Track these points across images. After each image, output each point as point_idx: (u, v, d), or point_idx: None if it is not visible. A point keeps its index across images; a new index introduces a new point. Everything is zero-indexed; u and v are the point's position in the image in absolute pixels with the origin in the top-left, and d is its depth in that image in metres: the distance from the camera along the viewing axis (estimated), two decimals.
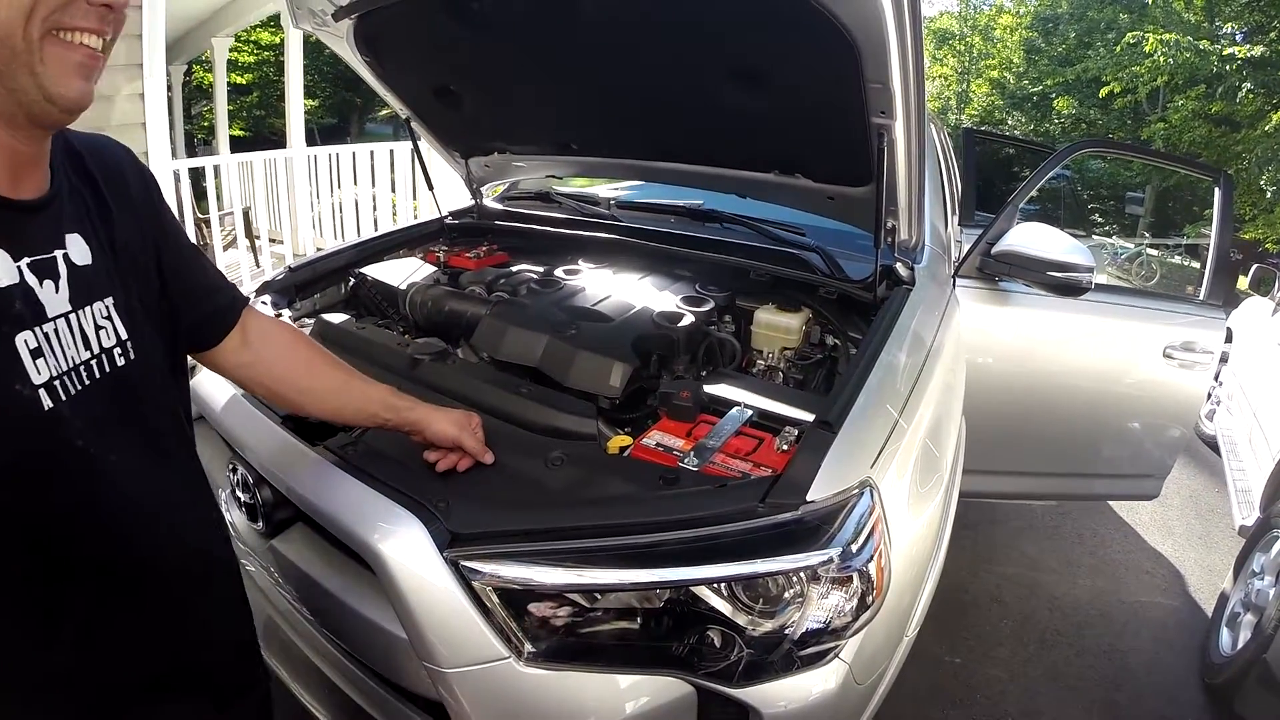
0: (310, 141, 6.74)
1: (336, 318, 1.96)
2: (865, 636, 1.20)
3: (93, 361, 0.87)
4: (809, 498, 1.16)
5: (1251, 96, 11.76)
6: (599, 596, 1.17)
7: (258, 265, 6.26)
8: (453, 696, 1.15)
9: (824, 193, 1.98)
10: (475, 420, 1.35)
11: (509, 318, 1.77)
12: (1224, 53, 11.68)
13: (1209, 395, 4.83)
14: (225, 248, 5.91)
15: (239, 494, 1.52)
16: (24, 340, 0.79)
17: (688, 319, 1.79)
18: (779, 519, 1.14)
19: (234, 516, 1.56)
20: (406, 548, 1.15)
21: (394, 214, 6.85)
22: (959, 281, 2.37)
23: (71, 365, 0.84)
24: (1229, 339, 4.79)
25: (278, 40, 14.66)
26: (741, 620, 1.14)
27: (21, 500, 0.80)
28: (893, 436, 1.35)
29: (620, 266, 2.23)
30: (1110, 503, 3.84)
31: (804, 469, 1.19)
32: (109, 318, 0.90)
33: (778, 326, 1.87)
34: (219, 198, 5.74)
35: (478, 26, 1.89)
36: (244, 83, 18.01)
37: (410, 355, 1.70)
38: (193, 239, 1.46)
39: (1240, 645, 2.49)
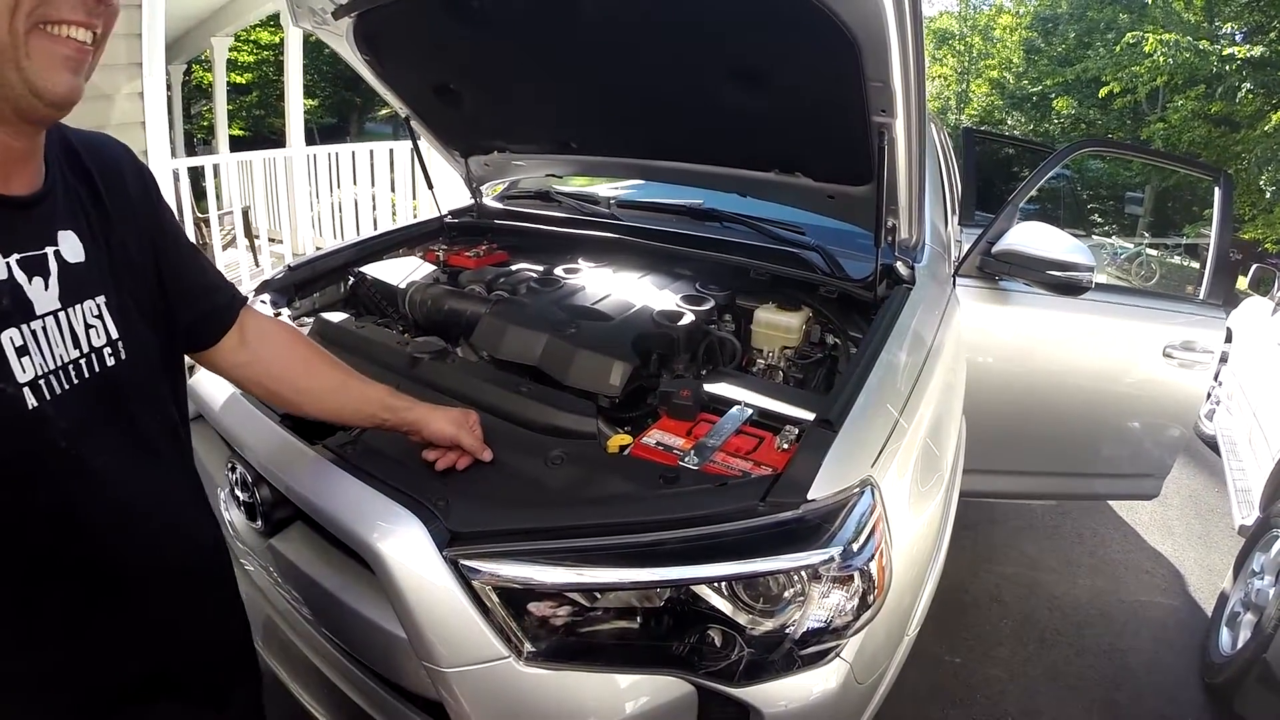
0: (310, 141, 6.73)
1: (336, 317, 1.96)
2: (866, 636, 1.20)
3: (81, 361, 0.86)
4: (810, 496, 1.15)
5: (1251, 96, 11.77)
6: (599, 596, 1.17)
7: (257, 265, 6.25)
8: (452, 696, 1.15)
9: (824, 191, 1.98)
10: (473, 418, 1.35)
11: (509, 316, 1.77)
12: (1224, 53, 11.70)
13: (1209, 395, 4.83)
14: (224, 247, 5.91)
15: (238, 493, 1.51)
16: (9, 337, 0.78)
17: (688, 318, 1.79)
18: (780, 518, 1.13)
19: (233, 515, 1.56)
20: (405, 547, 1.15)
21: (394, 213, 6.84)
22: (959, 281, 2.37)
23: (59, 364, 0.83)
24: (1228, 339, 4.79)
25: (277, 40, 14.66)
26: (742, 619, 1.14)
27: (2, 499, 0.79)
28: (893, 435, 1.35)
29: (620, 265, 2.23)
30: (1110, 502, 3.83)
31: (805, 467, 1.19)
32: (100, 316, 0.89)
33: (778, 325, 1.86)
34: (218, 197, 5.75)
35: (478, 25, 1.88)
36: (243, 82, 18.01)
37: (410, 354, 1.70)
38: (192, 239, 1.45)
39: (1240, 645, 2.49)
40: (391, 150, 6.68)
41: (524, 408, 1.50)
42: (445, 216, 2.70)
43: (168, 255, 1.04)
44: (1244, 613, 2.58)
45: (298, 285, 2.16)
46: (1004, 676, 2.55)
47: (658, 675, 1.16)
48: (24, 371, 0.79)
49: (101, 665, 0.92)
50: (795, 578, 1.13)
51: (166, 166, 4.53)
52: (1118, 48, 14.07)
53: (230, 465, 1.53)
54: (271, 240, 6.56)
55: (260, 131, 18.44)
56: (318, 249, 2.64)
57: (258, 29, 16.02)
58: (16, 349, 0.79)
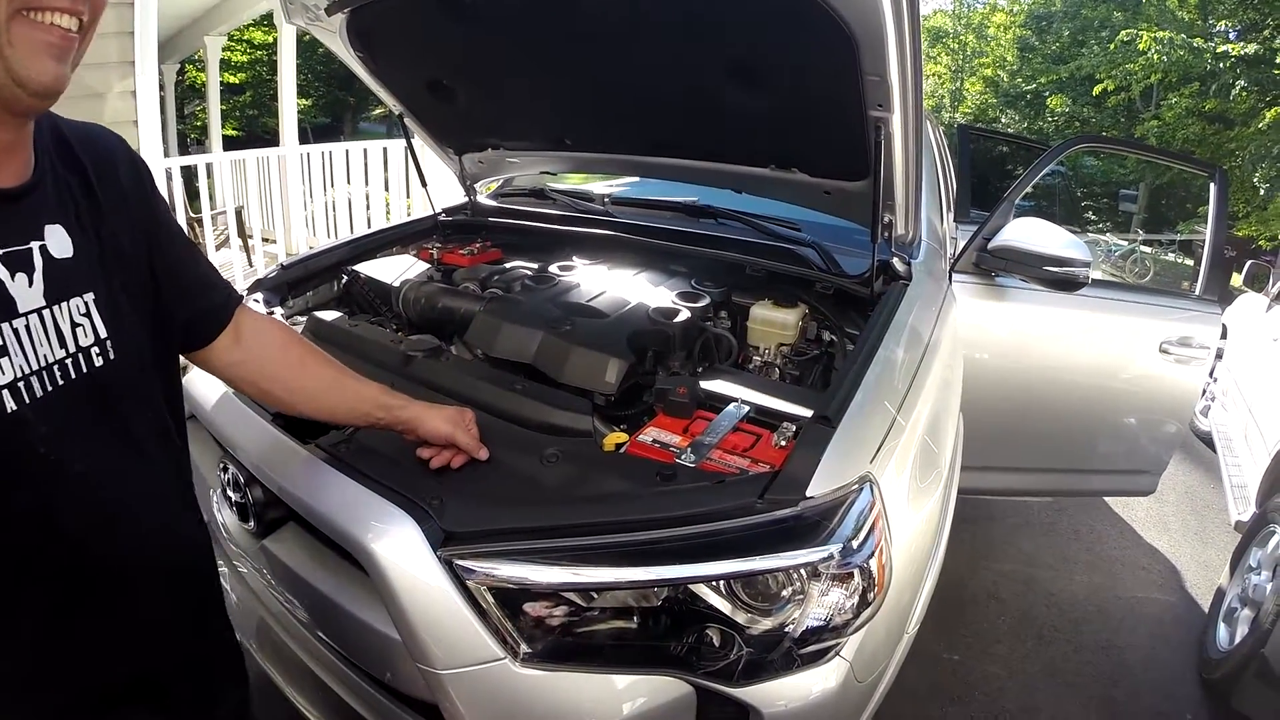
0: (303, 141, 6.72)
1: (329, 315, 1.94)
2: (866, 634, 1.19)
3: (68, 361, 0.84)
4: (808, 493, 1.14)
5: (1245, 94, 11.82)
6: (595, 595, 1.16)
7: (250, 265, 6.22)
8: (447, 698, 1.13)
9: (820, 187, 1.97)
10: (469, 416, 1.34)
11: (503, 314, 1.75)
12: (1217, 50, 11.73)
13: (1204, 391, 4.84)
14: (218, 247, 5.89)
15: (230, 493, 1.50)
16: None
17: (683, 315, 1.78)
18: (778, 515, 1.12)
19: (225, 516, 1.55)
20: (399, 547, 1.14)
21: (387, 213, 6.82)
22: (956, 277, 2.36)
23: (43, 364, 0.81)
24: (1224, 335, 4.80)
25: (271, 39, 14.62)
26: (741, 618, 1.13)
27: None
28: (891, 432, 1.34)
29: (615, 262, 2.22)
30: (1106, 499, 3.84)
31: (803, 464, 1.18)
32: (87, 314, 0.87)
33: (774, 322, 1.85)
34: (211, 197, 5.72)
35: (471, 20, 1.87)
36: (237, 82, 17.95)
37: (404, 352, 1.68)
38: None
39: (1237, 640, 2.49)
40: (385, 149, 6.65)
41: (519, 405, 1.49)
42: (439, 214, 2.68)
43: (162, 250, 1.01)
44: (1241, 608, 2.58)
45: (291, 284, 2.14)
46: (1002, 674, 2.55)
47: (655, 675, 1.15)
48: (2, 374, 0.77)
49: (86, 667, 0.90)
50: (794, 576, 1.12)
51: (159, 166, 4.50)
52: (1112, 45, 14.12)
53: (222, 465, 1.52)
54: (265, 240, 6.53)
55: (254, 131, 18.38)
56: (311, 249, 2.62)
57: (251, 28, 15.98)
58: None
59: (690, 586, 1.13)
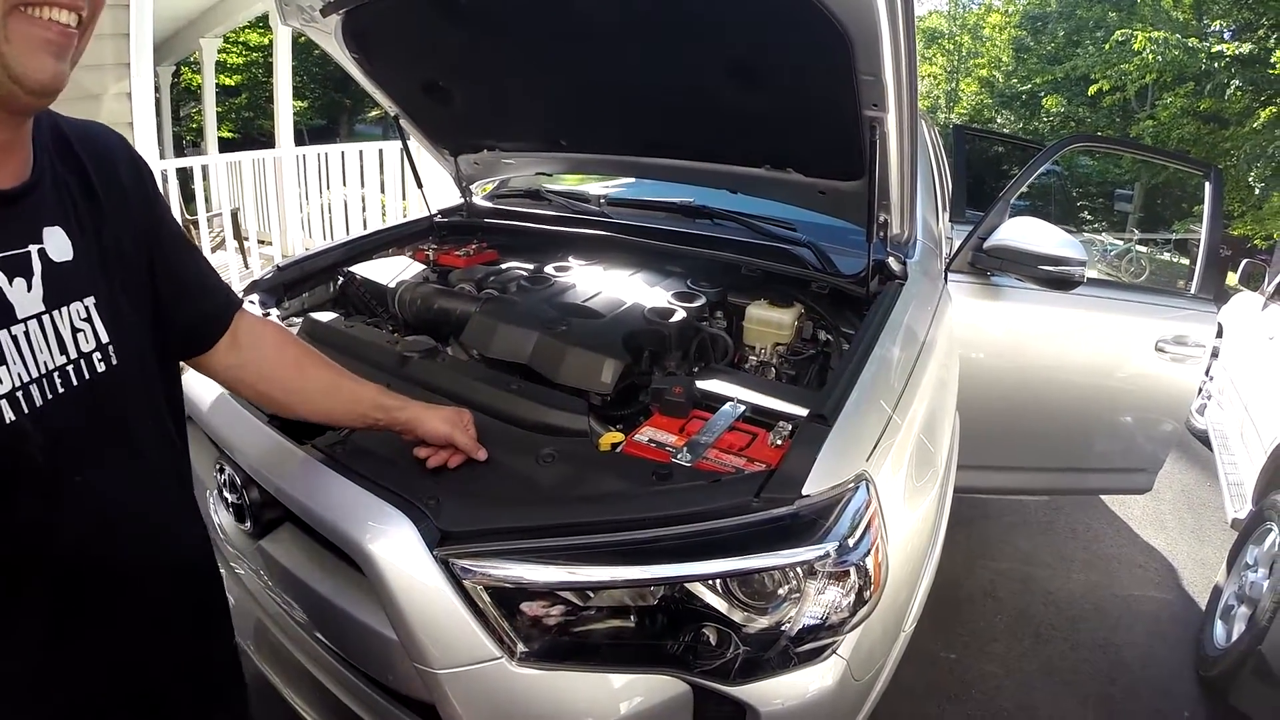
0: (299, 143, 6.71)
1: (325, 316, 1.94)
2: (863, 632, 1.19)
3: (68, 367, 0.82)
4: (804, 492, 1.14)
5: (1240, 94, 11.84)
6: (592, 595, 1.16)
7: (246, 267, 6.21)
8: (444, 698, 1.13)
9: (816, 187, 1.97)
10: (467, 417, 1.33)
11: (499, 314, 1.75)
12: (1212, 50, 11.77)
13: (1200, 390, 4.86)
14: (214, 249, 5.88)
15: (226, 494, 1.50)
16: None
17: (679, 315, 1.78)
18: (774, 513, 1.12)
19: (221, 517, 1.55)
20: (396, 547, 1.14)
21: (383, 214, 6.82)
22: (951, 276, 2.37)
23: (43, 372, 0.79)
24: (1219, 334, 4.82)
25: (266, 41, 14.65)
26: (737, 617, 1.13)
27: None
28: (887, 431, 1.34)
29: (611, 263, 2.22)
30: (1103, 497, 3.85)
31: (799, 463, 1.18)
32: (88, 319, 0.85)
33: (770, 322, 1.85)
34: (207, 199, 5.71)
35: (467, 21, 1.87)
36: (232, 84, 17.96)
37: (400, 353, 1.68)
38: None
39: (1234, 637, 2.49)
40: (381, 151, 6.65)
41: (515, 406, 1.49)
42: (435, 216, 2.68)
43: (163, 251, 0.99)
44: (1238, 606, 2.58)
45: (287, 285, 2.14)
46: (1000, 672, 2.55)
47: (652, 674, 1.15)
48: (0, 383, 0.74)
49: (89, 673, 0.89)
50: (790, 574, 1.12)
51: (155, 168, 4.49)
52: (1107, 46, 14.16)
53: (218, 467, 1.51)
54: (261, 242, 6.51)
55: (249, 133, 18.38)
56: (307, 250, 2.62)
57: (246, 30, 15.98)
58: None
59: (686, 585, 1.13)
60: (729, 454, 1.30)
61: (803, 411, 1.37)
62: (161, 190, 4.59)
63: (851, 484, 1.19)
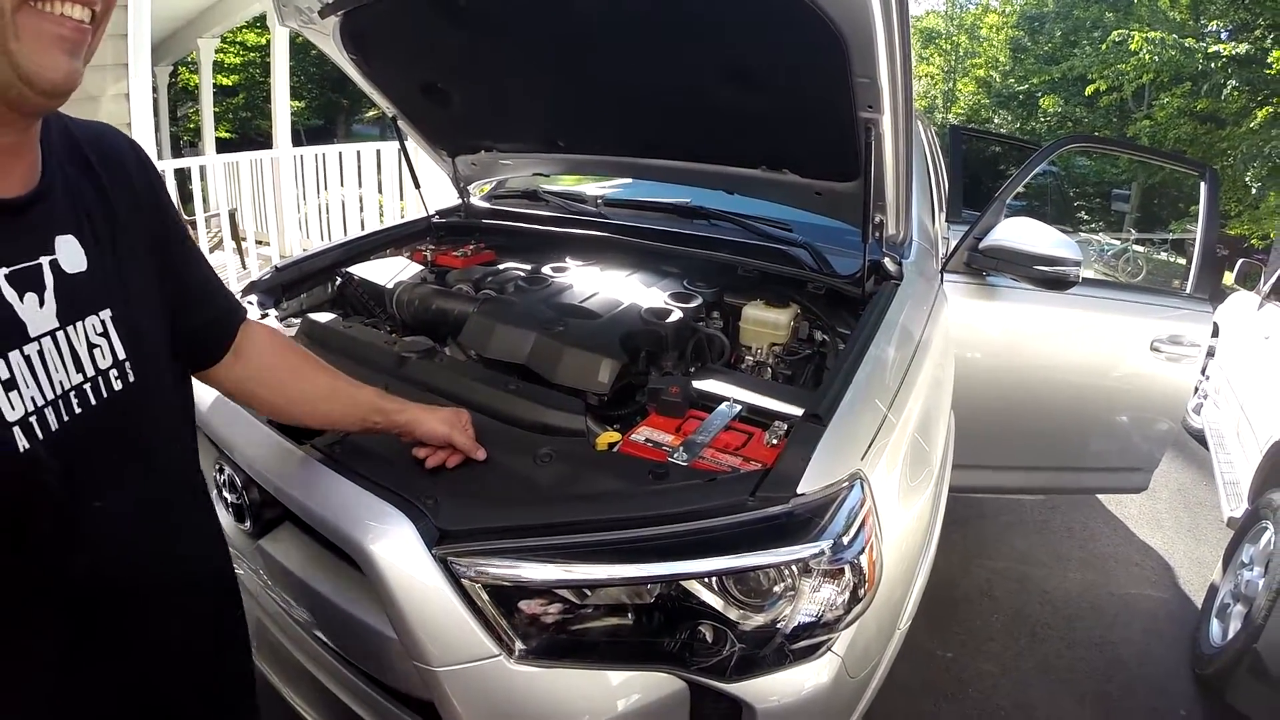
0: (297, 143, 6.71)
1: (323, 317, 1.95)
2: (858, 630, 1.20)
3: (86, 385, 0.77)
4: (799, 490, 1.15)
5: (1236, 94, 11.84)
6: (589, 593, 1.16)
7: (244, 267, 6.21)
8: (443, 695, 1.14)
9: (812, 188, 1.98)
10: (465, 417, 1.34)
11: (496, 315, 1.76)
12: (1209, 50, 11.77)
13: (1196, 389, 4.87)
14: (212, 250, 5.88)
15: (225, 494, 1.50)
16: None
17: (676, 315, 1.78)
18: (769, 512, 1.13)
19: (221, 518, 1.55)
20: (395, 546, 1.14)
21: (381, 215, 6.82)
22: (947, 276, 2.38)
23: (58, 393, 0.74)
24: (1215, 333, 4.83)
25: (264, 41, 14.62)
26: (733, 614, 1.14)
27: None
28: (882, 430, 1.35)
29: (608, 264, 2.22)
30: (1099, 496, 3.86)
31: (794, 462, 1.19)
32: (105, 334, 0.80)
33: (766, 322, 1.86)
34: (205, 199, 5.71)
35: (465, 23, 1.88)
36: (230, 84, 17.93)
37: (398, 354, 1.69)
38: None
39: (1230, 636, 2.50)
40: (379, 151, 6.65)
41: (512, 406, 1.49)
42: (432, 216, 2.69)
43: (172, 259, 0.95)
44: (1234, 604, 2.60)
45: (285, 286, 2.14)
46: (996, 671, 2.56)
47: (649, 672, 1.15)
48: (13, 409, 0.69)
49: (103, 697, 0.86)
50: (785, 572, 1.13)
51: None
52: (1104, 46, 14.14)
53: (218, 467, 1.52)
54: (259, 243, 6.51)
55: (247, 133, 18.35)
56: (305, 251, 2.63)
57: (244, 30, 15.95)
58: (3, 383, 0.69)
59: (683, 583, 1.13)
60: (725, 453, 1.31)
61: (798, 411, 1.38)
62: None
63: (846, 483, 1.19)
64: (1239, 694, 2.35)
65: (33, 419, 0.71)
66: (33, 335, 0.73)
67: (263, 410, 1.25)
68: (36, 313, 0.73)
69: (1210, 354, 4.82)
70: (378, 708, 1.35)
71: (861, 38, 1.41)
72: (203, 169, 5.53)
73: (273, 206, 6.01)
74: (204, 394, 1.58)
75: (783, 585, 1.14)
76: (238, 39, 16.88)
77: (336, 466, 1.31)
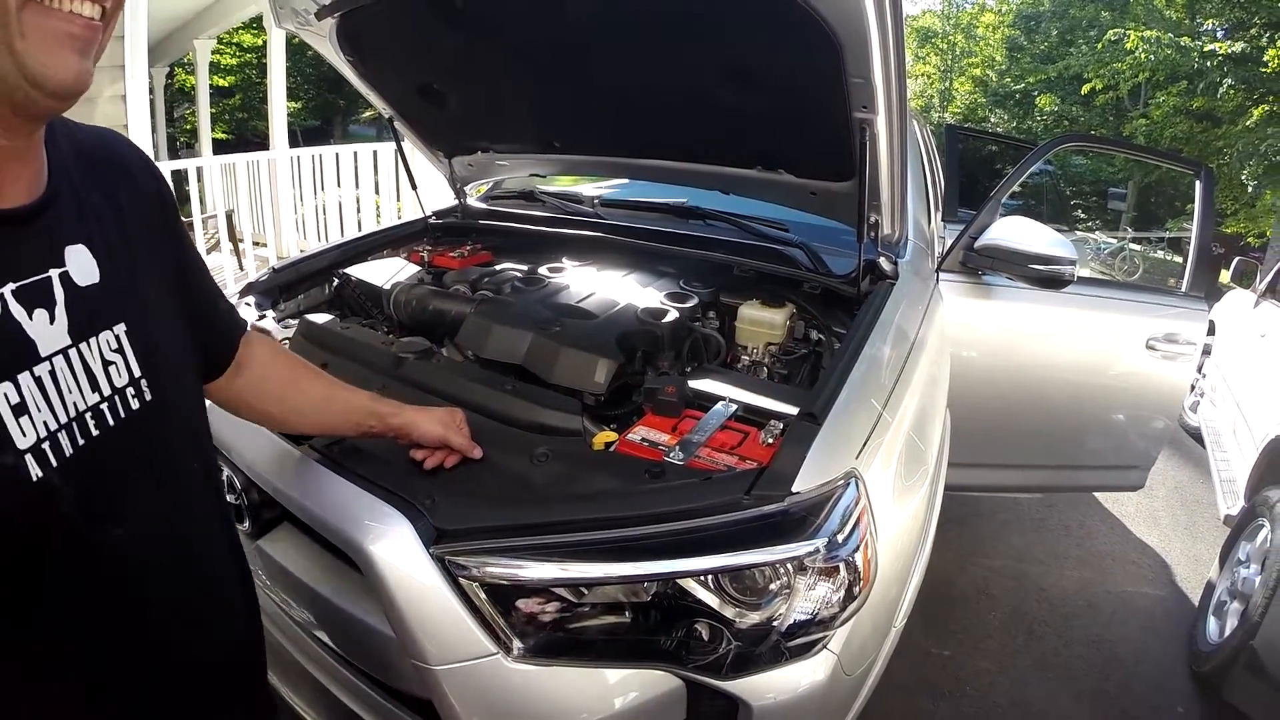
0: (293, 144, 6.71)
1: (321, 318, 1.95)
2: (853, 627, 1.21)
3: (102, 405, 0.72)
4: (794, 489, 1.16)
5: (1232, 92, 11.85)
6: (586, 591, 1.17)
7: (241, 268, 6.21)
8: (441, 694, 1.14)
9: (807, 188, 1.98)
10: (460, 416, 1.35)
11: (493, 315, 1.76)
12: (1205, 49, 11.77)
13: (1192, 387, 4.88)
14: (208, 251, 5.87)
15: (224, 495, 1.50)
16: (3, 394, 0.64)
17: (672, 315, 1.79)
18: (765, 510, 1.14)
19: None
20: (393, 545, 1.15)
21: (378, 215, 6.82)
22: (942, 276, 2.38)
23: (72, 415, 0.69)
24: (1211, 331, 4.84)
25: (260, 42, 14.61)
26: (729, 612, 1.14)
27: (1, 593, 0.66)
28: (877, 429, 1.36)
29: (604, 264, 2.23)
30: (1096, 494, 3.87)
31: (789, 461, 1.19)
32: (119, 350, 0.75)
33: (762, 322, 1.87)
34: (202, 201, 5.71)
35: (461, 24, 1.88)
36: (226, 85, 17.92)
37: (395, 354, 1.69)
38: None
39: (1227, 633, 2.52)
40: (375, 152, 6.65)
41: (509, 406, 1.50)
42: (429, 217, 2.69)
43: (180, 271, 0.91)
44: (1230, 601, 2.60)
45: (282, 287, 2.15)
46: (993, 668, 2.57)
47: (646, 670, 1.16)
48: (24, 435, 0.65)
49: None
50: (781, 570, 1.13)
51: None
52: (1100, 45, 14.14)
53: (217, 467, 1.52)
54: (256, 244, 6.51)
55: (243, 134, 18.36)
56: (302, 252, 2.63)
57: (240, 31, 15.94)
58: (13, 407, 0.64)
59: (679, 581, 1.14)
60: (721, 452, 1.32)
61: (793, 410, 1.39)
62: None
63: (841, 481, 1.20)
64: (1236, 691, 2.36)
65: (45, 445, 0.66)
66: (43, 354, 0.68)
67: (260, 421, 1.23)
68: (47, 330, 0.68)
69: (1206, 352, 4.84)
70: (377, 707, 1.35)
71: (855, 39, 1.42)
72: (199, 170, 5.53)
73: (270, 208, 6.01)
74: None
75: (778, 583, 1.14)
76: (234, 40, 16.89)
77: (335, 467, 1.32)
